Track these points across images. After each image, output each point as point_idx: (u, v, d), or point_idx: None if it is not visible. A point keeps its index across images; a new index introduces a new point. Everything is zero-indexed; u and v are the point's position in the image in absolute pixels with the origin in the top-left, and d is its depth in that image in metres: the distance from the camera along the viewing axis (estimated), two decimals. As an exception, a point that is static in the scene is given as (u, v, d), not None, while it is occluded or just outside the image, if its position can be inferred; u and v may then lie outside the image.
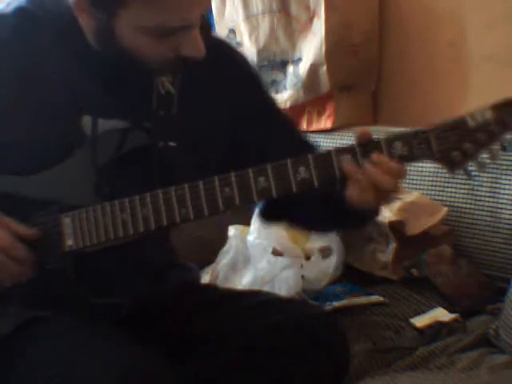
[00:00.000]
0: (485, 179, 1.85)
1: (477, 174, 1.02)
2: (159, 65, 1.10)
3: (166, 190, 1.06)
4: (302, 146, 1.29)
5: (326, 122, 2.34)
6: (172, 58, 1.09)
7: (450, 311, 1.70)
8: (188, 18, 1.05)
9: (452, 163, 1.01)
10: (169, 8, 1.02)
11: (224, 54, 1.28)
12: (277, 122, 1.31)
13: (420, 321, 1.66)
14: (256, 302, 1.30)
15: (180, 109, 1.18)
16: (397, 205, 1.86)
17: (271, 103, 1.33)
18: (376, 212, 1.17)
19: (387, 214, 1.83)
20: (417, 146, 1.01)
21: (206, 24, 1.24)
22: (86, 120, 1.13)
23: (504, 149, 0.99)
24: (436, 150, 1.00)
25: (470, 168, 1.02)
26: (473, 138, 0.99)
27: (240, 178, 1.04)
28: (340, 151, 1.03)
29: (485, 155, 1.01)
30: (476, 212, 1.88)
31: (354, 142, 1.05)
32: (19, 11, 1.15)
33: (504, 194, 1.82)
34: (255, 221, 1.88)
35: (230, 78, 1.26)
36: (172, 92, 1.17)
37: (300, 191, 1.03)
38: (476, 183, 1.87)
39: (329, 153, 1.03)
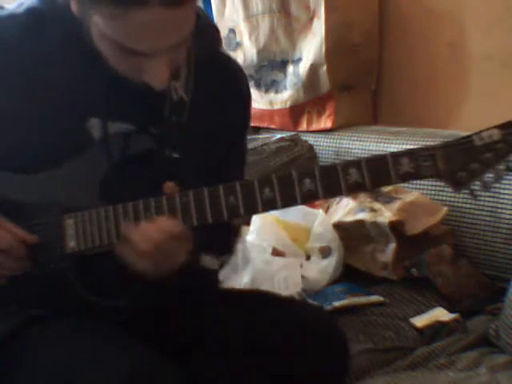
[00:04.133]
0: (485, 179, 1.85)
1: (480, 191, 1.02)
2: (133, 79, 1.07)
3: (170, 195, 1.06)
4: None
5: (326, 122, 2.34)
6: (138, 78, 1.05)
7: (450, 311, 1.70)
8: (150, 46, 1.00)
9: (458, 183, 1.00)
10: (129, 28, 0.98)
11: (230, 71, 1.28)
12: (236, 154, 1.32)
13: (420, 321, 1.66)
14: (256, 301, 1.30)
15: (190, 117, 1.17)
16: (397, 205, 1.86)
17: (245, 133, 1.35)
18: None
19: (387, 213, 1.83)
20: (423, 164, 1.00)
21: (215, 34, 1.25)
22: (94, 122, 1.13)
23: (509, 170, 0.99)
24: (442, 169, 1.00)
25: (474, 187, 1.02)
26: (480, 159, 0.99)
27: (245, 187, 1.03)
28: (346, 165, 1.01)
29: (489, 176, 1.01)
30: (476, 212, 1.88)
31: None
32: (31, 11, 1.14)
33: (504, 194, 1.82)
34: (255, 221, 1.88)
35: (231, 95, 1.26)
36: (185, 99, 1.17)
37: (305, 203, 1.03)
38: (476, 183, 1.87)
39: (334, 165, 1.02)
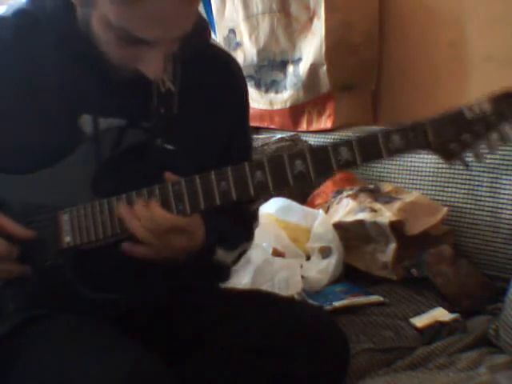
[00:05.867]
0: (485, 179, 1.86)
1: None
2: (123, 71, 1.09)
3: (162, 185, 1.06)
4: None
5: (326, 122, 2.34)
6: (132, 66, 1.07)
7: (450, 311, 1.70)
8: (155, 35, 1.02)
9: (449, 154, 1.01)
10: (139, 15, 1.00)
11: (220, 61, 1.28)
12: (242, 139, 1.33)
13: (420, 321, 1.66)
14: (256, 301, 1.30)
15: (181, 108, 1.18)
16: (397, 205, 1.86)
17: (247, 121, 1.35)
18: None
19: (387, 213, 1.83)
20: (414, 138, 1.00)
21: (205, 29, 1.25)
22: (86, 119, 1.13)
23: (502, 139, 0.99)
24: (433, 141, 1.00)
25: (468, 159, 1.02)
26: (471, 129, 0.99)
27: (236, 172, 1.04)
28: (337, 144, 1.02)
29: (483, 146, 1.01)
30: (476, 212, 1.88)
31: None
32: (20, 13, 1.15)
33: (504, 194, 1.82)
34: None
35: (224, 85, 1.26)
36: (172, 90, 1.17)
37: (297, 184, 1.02)
38: (476, 183, 1.87)
39: (325, 146, 1.02)
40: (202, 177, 1.04)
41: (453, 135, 0.99)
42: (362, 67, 2.33)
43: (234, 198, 1.03)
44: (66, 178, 1.12)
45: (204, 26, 1.25)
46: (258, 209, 1.38)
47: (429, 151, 1.01)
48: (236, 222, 1.26)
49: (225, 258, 1.25)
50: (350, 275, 1.87)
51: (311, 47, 2.27)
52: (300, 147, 2.24)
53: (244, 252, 1.33)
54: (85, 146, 1.13)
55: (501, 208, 1.83)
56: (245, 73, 1.37)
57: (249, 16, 2.40)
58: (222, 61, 1.29)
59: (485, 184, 1.86)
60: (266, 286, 1.72)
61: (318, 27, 2.24)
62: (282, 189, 1.04)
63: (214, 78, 1.24)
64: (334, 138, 2.28)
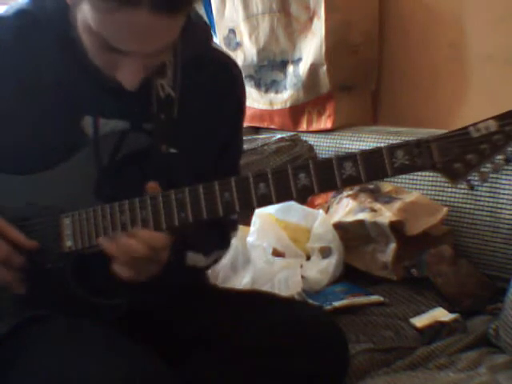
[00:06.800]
0: (485, 179, 1.85)
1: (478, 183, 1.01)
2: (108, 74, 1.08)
3: (165, 193, 1.05)
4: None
5: (326, 122, 2.34)
6: (112, 74, 1.06)
7: (450, 311, 1.70)
8: (129, 47, 1.01)
9: (454, 174, 0.99)
10: (114, 25, 0.98)
11: (221, 64, 1.28)
12: (235, 144, 1.33)
13: (420, 321, 1.66)
14: (256, 302, 1.30)
15: (181, 113, 1.17)
16: (397, 205, 1.86)
17: (241, 128, 1.35)
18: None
19: (387, 213, 1.83)
20: (418, 156, 0.99)
21: (206, 33, 1.25)
22: (87, 121, 1.13)
23: (508, 160, 0.98)
24: (438, 160, 0.99)
25: (473, 179, 1.00)
26: (476, 150, 0.98)
27: (240, 183, 1.03)
28: (341, 158, 1.01)
29: (487, 166, 1.00)
30: (476, 212, 1.88)
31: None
32: (20, 13, 1.15)
33: (504, 194, 1.82)
34: (255, 222, 1.88)
35: (223, 89, 1.26)
36: (172, 95, 1.17)
37: (300, 197, 1.02)
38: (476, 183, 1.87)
39: (329, 159, 1.01)
40: (206, 186, 1.04)
41: (458, 155, 0.98)
42: (361, 67, 2.33)
43: (237, 209, 1.03)
44: (67, 180, 1.12)
45: (205, 30, 1.25)
46: (237, 219, 1.37)
47: (432, 170, 1.00)
48: (212, 230, 1.25)
49: (196, 262, 1.25)
50: (349, 275, 1.87)
51: (311, 47, 2.27)
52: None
53: (219, 258, 1.34)
54: (87, 148, 1.13)
55: (500, 208, 1.83)
56: (245, 73, 1.38)
57: (249, 16, 2.40)
58: (223, 64, 1.28)
59: (484, 184, 1.85)
60: (266, 286, 1.72)
61: (318, 27, 2.23)
62: (285, 201, 1.04)
63: (214, 82, 1.24)
64: (333, 138, 2.28)
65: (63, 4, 1.07)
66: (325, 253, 1.86)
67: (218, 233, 1.29)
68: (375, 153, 1.00)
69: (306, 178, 1.01)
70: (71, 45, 1.08)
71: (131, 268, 1.06)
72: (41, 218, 1.11)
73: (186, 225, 1.06)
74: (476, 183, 1.01)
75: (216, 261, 1.33)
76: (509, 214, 1.81)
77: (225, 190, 1.03)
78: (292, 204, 1.98)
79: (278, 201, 1.03)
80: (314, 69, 2.27)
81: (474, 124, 0.98)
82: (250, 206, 1.04)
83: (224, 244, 1.35)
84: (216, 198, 1.03)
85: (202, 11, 2.53)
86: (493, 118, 0.98)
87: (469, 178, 1.00)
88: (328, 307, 1.66)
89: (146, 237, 1.04)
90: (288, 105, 2.39)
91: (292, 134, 2.36)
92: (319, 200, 2.09)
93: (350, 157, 1.00)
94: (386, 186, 2.00)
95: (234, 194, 1.03)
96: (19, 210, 1.12)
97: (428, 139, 0.99)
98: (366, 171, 0.99)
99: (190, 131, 1.18)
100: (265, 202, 1.03)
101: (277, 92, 2.42)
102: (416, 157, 0.99)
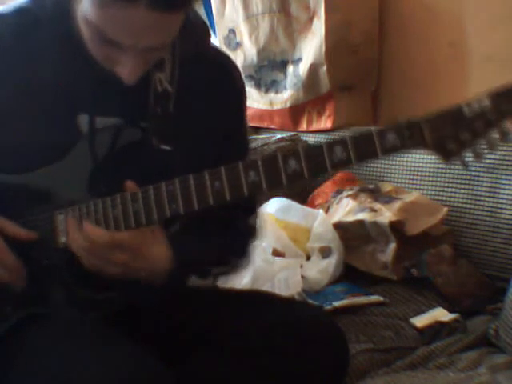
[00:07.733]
0: (485, 179, 1.86)
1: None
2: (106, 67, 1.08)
3: (156, 185, 1.06)
4: None
5: (326, 122, 2.34)
6: (111, 68, 1.06)
7: (450, 311, 1.70)
8: (127, 42, 1.01)
9: (448, 153, 0.97)
10: (112, 19, 0.99)
11: (219, 63, 1.28)
12: (237, 142, 1.32)
13: (420, 321, 1.66)
14: (256, 301, 1.30)
15: (177, 108, 1.18)
16: (397, 205, 1.87)
17: (243, 124, 1.35)
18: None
19: (387, 213, 1.83)
20: (409, 137, 0.97)
21: (205, 32, 1.25)
22: (83, 118, 1.14)
23: (504, 138, 0.97)
24: (430, 139, 0.97)
25: (467, 158, 0.98)
26: (470, 127, 0.96)
27: (230, 172, 1.03)
28: (332, 144, 1.00)
29: (482, 145, 0.98)
30: (476, 212, 1.88)
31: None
32: (20, 11, 1.15)
33: (504, 194, 1.82)
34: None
35: (222, 87, 1.26)
36: (169, 90, 1.17)
37: (291, 184, 1.02)
38: (476, 183, 1.88)
39: (320, 145, 1.00)
40: (196, 177, 1.04)
41: (451, 134, 0.97)
42: (361, 67, 2.33)
43: (227, 198, 1.03)
44: (63, 177, 1.12)
45: (204, 29, 1.25)
46: (254, 224, 1.36)
47: (426, 149, 0.98)
48: (226, 239, 1.25)
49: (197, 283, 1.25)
50: (350, 275, 1.87)
51: (311, 47, 2.27)
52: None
53: (235, 267, 1.33)
54: (81, 145, 1.13)
55: (500, 208, 1.83)
56: (245, 73, 1.38)
57: (249, 16, 2.41)
58: (221, 63, 1.28)
59: (484, 184, 1.86)
60: (266, 286, 1.72)
61: (318, 27, 2.24)
62: (276, 188, 1.03)
63: (212, 80, 1.24)
64: (333, 138, 2.27)
65: (63, 2, 1.07)
66: (325, 253, 1.86)
67: (233, 241, 1.28)
68: (365, 136, 0.99)
69: (297, 164, 1.00)
70: (71, 43, 1.09)
71: (87, 259, 1.07)
72: (35, 215, 1.12)
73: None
74: (477, 190, 1.00)
75: (234, 267, 1.32)
76: (509, 214, 1.81)
77: (215, 179, 1.03)
78: (292, 204, 1.98)
79: (269, 188, 1.02)
80: (313, 69, 2.28)
81: (467, 102, 0.96)
82: (241, 195, 1.03)
83: (241, 252, 1.32)
84: (207, 188, 1.03)
85: (201, 11, 2.53)
86: (486, 94, 0.96)
87: (463, 156, 0.98)
88: (328, 307, 1.66)
89: (87, 231, 1.06)
90: (288, 105, 2.39)
91: (292, 133, 2.36)
92: (319, 200, 2.09)
93: (341, 141, 1.00)
94: (386, 186, 2.00)
95: (224, 182, 1.02)
96: (14, 207, 1.12)
97: (419, 120, 0.97)
98: (357, 153, 0.98)
99: (186, 128, 1.18)
100: (255, 189, 1.02)
101: (277, 92, 2.42)
102: (406, 138, 0.97)
